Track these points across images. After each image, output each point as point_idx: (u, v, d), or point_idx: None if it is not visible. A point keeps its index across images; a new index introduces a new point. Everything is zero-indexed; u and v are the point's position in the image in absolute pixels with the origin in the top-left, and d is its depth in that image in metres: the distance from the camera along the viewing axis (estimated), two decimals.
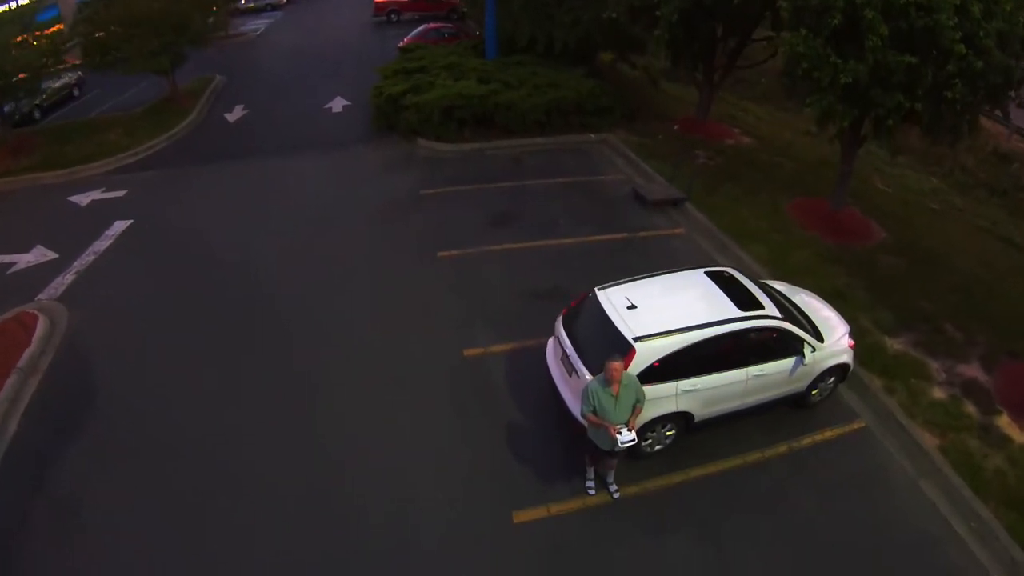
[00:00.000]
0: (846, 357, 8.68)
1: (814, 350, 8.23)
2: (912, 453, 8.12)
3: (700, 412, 7.82)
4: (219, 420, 8.64)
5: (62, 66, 21.41)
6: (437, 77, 18.89)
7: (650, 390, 7.17)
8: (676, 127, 19.10)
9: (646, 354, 7.35)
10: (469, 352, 9.74)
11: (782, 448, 8.30)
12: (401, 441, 8.24)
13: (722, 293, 8.30)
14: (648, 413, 7.36)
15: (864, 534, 7.25)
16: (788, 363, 8.15)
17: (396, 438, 8.29)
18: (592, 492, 7.51)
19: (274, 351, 9.94)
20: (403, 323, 10.47)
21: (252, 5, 39.53)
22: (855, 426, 8.61)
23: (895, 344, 9.83)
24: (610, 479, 7.54)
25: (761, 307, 8.20)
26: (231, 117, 21.19)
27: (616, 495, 7.49)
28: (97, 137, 19.08)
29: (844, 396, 9.00)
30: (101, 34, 20.04)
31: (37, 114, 22.59)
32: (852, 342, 8.85)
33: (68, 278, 11.70)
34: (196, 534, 7.09)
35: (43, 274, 11.98)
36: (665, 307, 8.00)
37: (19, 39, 19.02)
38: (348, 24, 34.03)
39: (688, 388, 7.60)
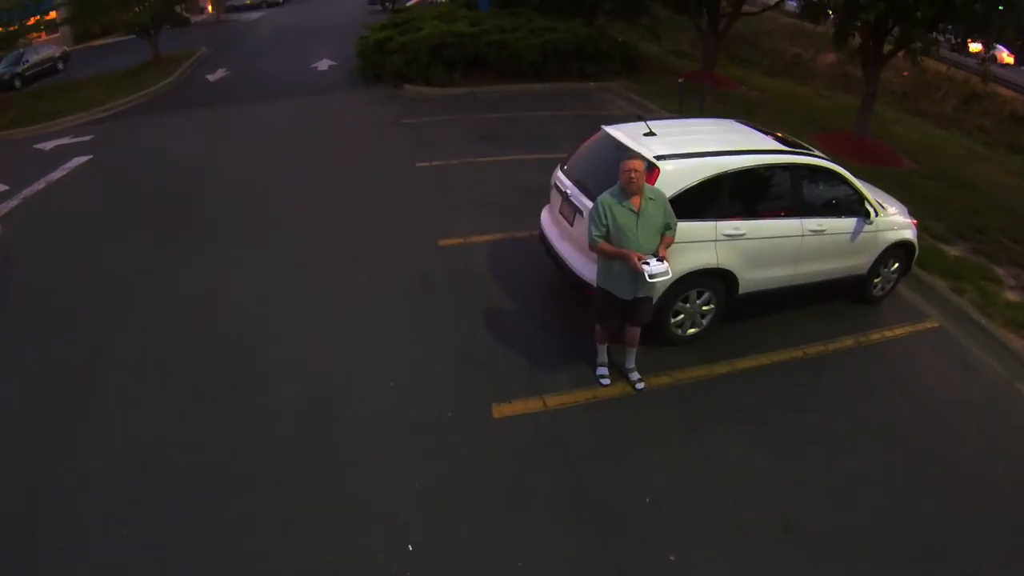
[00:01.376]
0: (910, 234, 6.75)
1: (877, 214, 6.29)
2: (999, 355, 6.41)
3: (745, 275, 5.64)
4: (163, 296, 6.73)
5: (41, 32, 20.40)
6: (426, 23, 17.13)
7: (682, 228, 5.02)
8: (681, 79, 17.27)
9: (673, 176, 5.21)
10: (445, 242, 7.66)
11: (848, 341, 6.21)
12: (351, 324, 6.11)
13: (762, 134, 6.30)
14: (680, 263, 5.24)
15: (966, 439, 5.15)
16: (850, 223, 6.15)
17: (347, 321, 6.16)
18: (606, 382, 5.26)
19: (221, 239, 8.02)
20: (369, 219, 8.41)
21: (248, 1, 38.59)
22: (927, 325, 6.74)
23: (952, 251, 8.30)
24: (630, 363, 5.31)
25: (809, 150, 6.25)
26: (212, 77, 19.49)
27: (640, 385, 5.25)
28: (72, 95, 17.76)
29: (907, 297, 7.23)
30: None
31: (18, 82, 21.51)
32: (915, 220, 6.99)
33: (12, 204, 9.92)
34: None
35: None
36: (693, 136, 5.95)
37: None
38: (343, 11, 32.87)
39: (731, 232, 5.44)
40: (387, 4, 31.96)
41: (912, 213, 7.11)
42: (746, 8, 17.46)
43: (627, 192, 4.62)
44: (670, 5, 17.94)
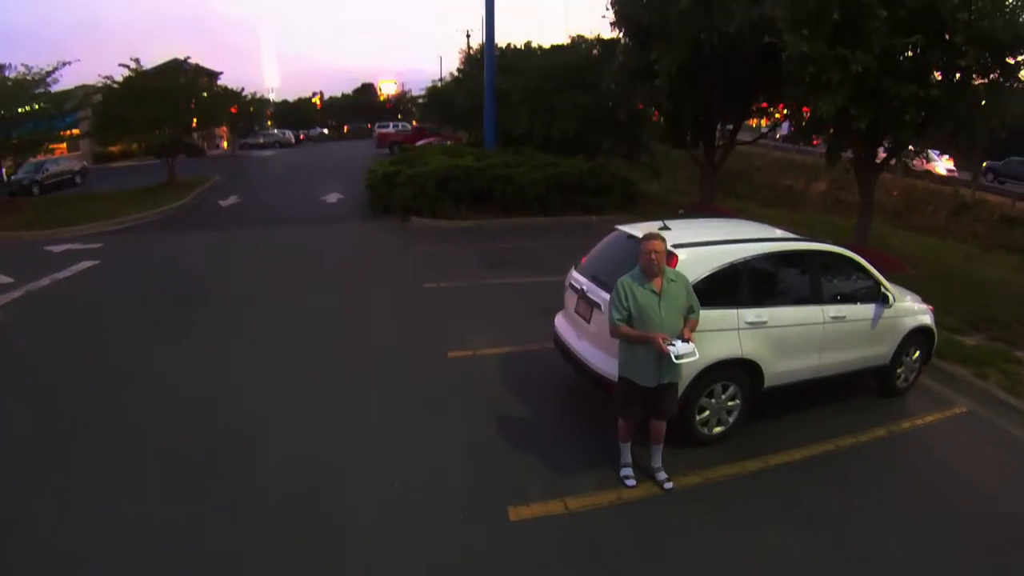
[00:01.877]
0: (929, 319, 6.69)
1: (895, 299, 6.22)
2: None
3: (770, 366, 5.38)
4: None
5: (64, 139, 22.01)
6: (433, 159, 18.03)
7: (704, 316, 4.86)
8: (681, 211, 17.71)
9: (691, 264, 5.14)
10: (454, 354, 7.42)
11: (879, 432, 5.93)
12: (357, 428, 5.72)
13: (774, 229, 6.39)
14: (703, 354, 4.99)
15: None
16: (869, 309, 6.05)
17: (353, 425, 5.78)
18: (631, 483, 4.80)
19: (225, 345, 7.85)
20: (378, 332, 8.26)
21: (262, 141, 41.36)
22: (956, 411, 6.59)
23: (968, 340, 8.24)
24: (656, 461, 4.91)
25: (822, 239, 6.33)
26: (224, 203, 20.35)
27: (668, 485, 4.82)
28: (86, 205, 18.60)
29: (931, 387, 7.09)
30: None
31: (36, 189, 22.85)
32: (931, 306, 6.91)
33: (16, 294, 10.16)
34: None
35: None
36: (707, 229, 6.03)
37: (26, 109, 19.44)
38: (351, 153, 35.06)
39: (753, 320, 5.26)
40: (395, 147, 34.00)
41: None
42: (740, 137, 18.22)
43: (648, 274, 4.50)
44: (667, 140, 18.56)
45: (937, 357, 7.28)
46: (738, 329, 5.21)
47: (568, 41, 23.33)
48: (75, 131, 24.31)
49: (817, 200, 26.20)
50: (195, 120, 25.21)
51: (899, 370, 6.51)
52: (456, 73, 29.69)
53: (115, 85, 22.26)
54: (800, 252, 5.78)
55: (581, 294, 5.78)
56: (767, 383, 5.43)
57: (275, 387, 6.58)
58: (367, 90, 76.18)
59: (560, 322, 6.36)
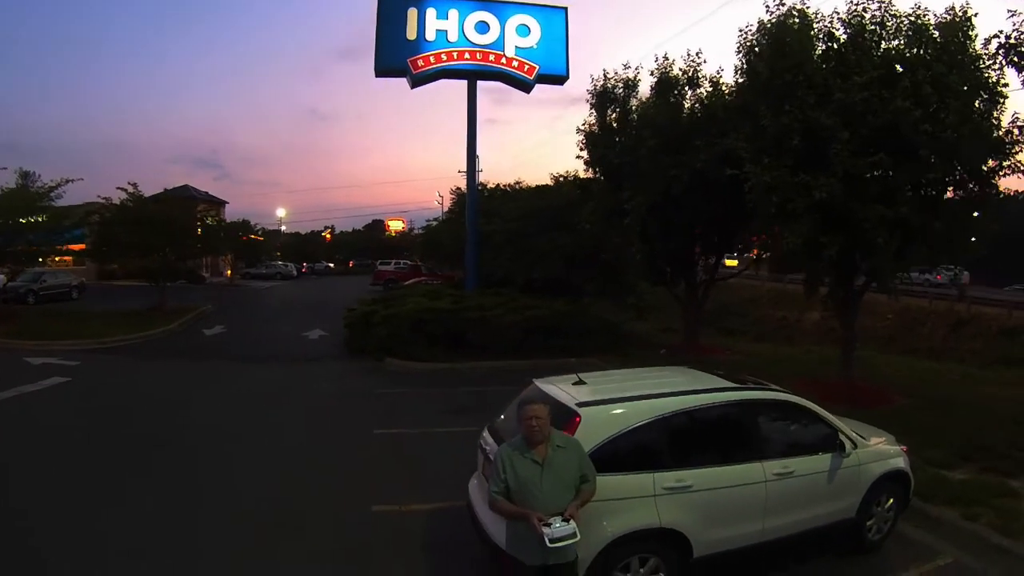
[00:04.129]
0: (902, 462, 5.90)
1: (855, 446, 5.50)
2: None
3: (700, 535, 4.60)
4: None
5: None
6: (411, 300, 17.82)
7: (611, 483, 4.26)
8: (663, 351, 17.09)
9: (596, 423, 4.55)
10: (379, 508, 6.70)
11: None
12: None
13: (709, 375, 5.80)
14: (611, 526, 4.32)
15: None
16: (823, 460, 5.30)
17: None
18: None
19: (155, 483, 7.42)
20: (309, 479, 7.65)
21: (264, 271, 42.34)
22: (940, 563, 5.67)
23: (957, 475, 7.40)
24: None
25: (767, 385, 5.66)
26: (208, 332, 20.37)
27: None
28: (76, 322, 19.09)
29: (910, 535, 6.18)
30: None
31: (31, 299, 23.50)
32: (905, 447, 6.15)
33: None
34: None
35: None
36: (630, 383, 5.47)
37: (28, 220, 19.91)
38: (348, 288, 35.48)
39: (673, 485, 4.56)
40: (389, 285, 34.33)
41: (908, 445, 6.31)
42: (721, 272, 17.87)
43: (530, 442, 3.92)
44: (646, 277, 18.06)
45: (920, 499, 6.47)
46: (655, 496, 4.51)
47: (551, 182, 23.93)
48: (80, 246, 25.19)
49: (811, 331, 25.59)
50: (194, 248, 25.82)
51: (869, 522, 5.64)
52: (448, 213, 30.53)
53: (110, 208, 23.01)
54: (734, 403, 5.15)
55: (486, 455, 5.15)
56: (697, 553, 4.62)
57: (190, 532, 5.98)
58: (376, 226, 79.17)
59: (472, 485, 5.66)
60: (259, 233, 43.76)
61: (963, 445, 8.20)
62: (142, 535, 6.00)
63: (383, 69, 20.06)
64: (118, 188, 23.54)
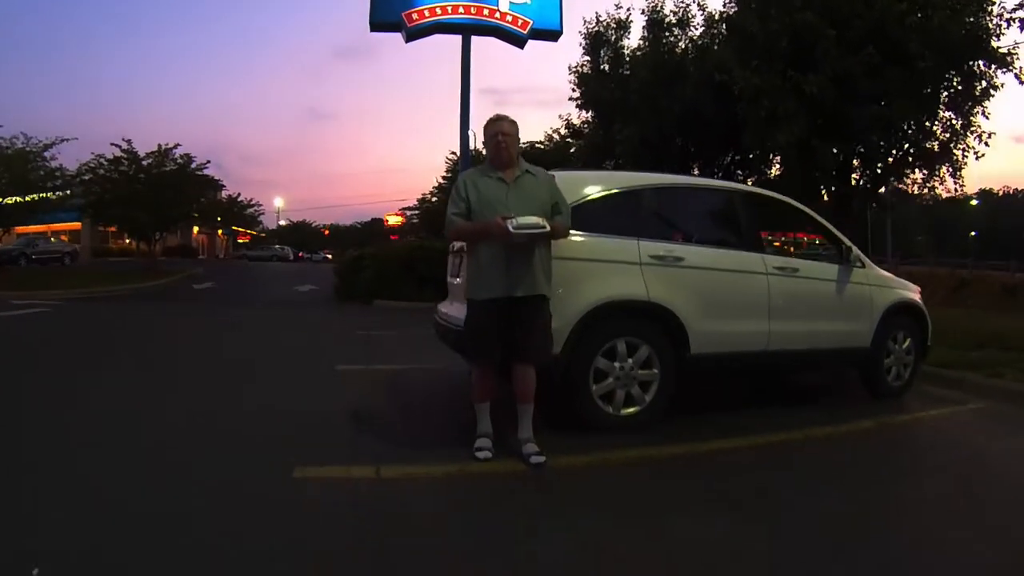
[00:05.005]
0: (915, 296, 5.33)
1: (864, 266, 4.87)
2: None
3: (698, 323, 3.93)
4: None
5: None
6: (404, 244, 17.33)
7: (589, 242, 3.67)
8: None
9: (573, 182, 3.88)
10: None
11: (865, 424, 4.34)
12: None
13: None
14: (589, 291, 3.68)
15: None
16: (828, 268, 4.69)
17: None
18: (483, 455, 3.25)
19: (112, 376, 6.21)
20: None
21: (260, 252, 42.08)
22: (971, 406, 5.01)
23: (974, 353, 6.69)
24: (525, 430, 3.32)
25: None
26: (198, 287, 19.65)
27: (536, 459, 3.21)
28: (65, 278, 18.68)
29: (934, 393, 5.47)
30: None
31: (23, 262, 23.52)
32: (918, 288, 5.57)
33: None
34: None
35: None
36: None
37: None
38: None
39: (662, 254, 3.90)
40: None
41: None
42: None
43: (497, 162, 3.32)
44: None
45: (939, 366, 5.85)
46: (640, 264, 3.84)
47: (544, 140, 23.47)
48: (76, 225, 25.83)
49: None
50: (184, 205, 25.33)
51: (887, 361, 4.97)
52: (445, 178, 29.99)
53: (104, 166, 22.65)
54: (730, 190, 4.53)
55: (457, 252, 4.50)
56: (695, 347, 3.95)
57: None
58: (376, 223, 78.64)
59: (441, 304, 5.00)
60: (253, 212, 43.52)
61: (976, 337, 7.58)
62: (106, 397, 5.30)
63: (378, 23, 19.38)
64: (111, 144, 22.85)
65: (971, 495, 3.08)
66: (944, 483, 3.29)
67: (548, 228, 3.12)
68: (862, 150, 10.15)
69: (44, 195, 21.10)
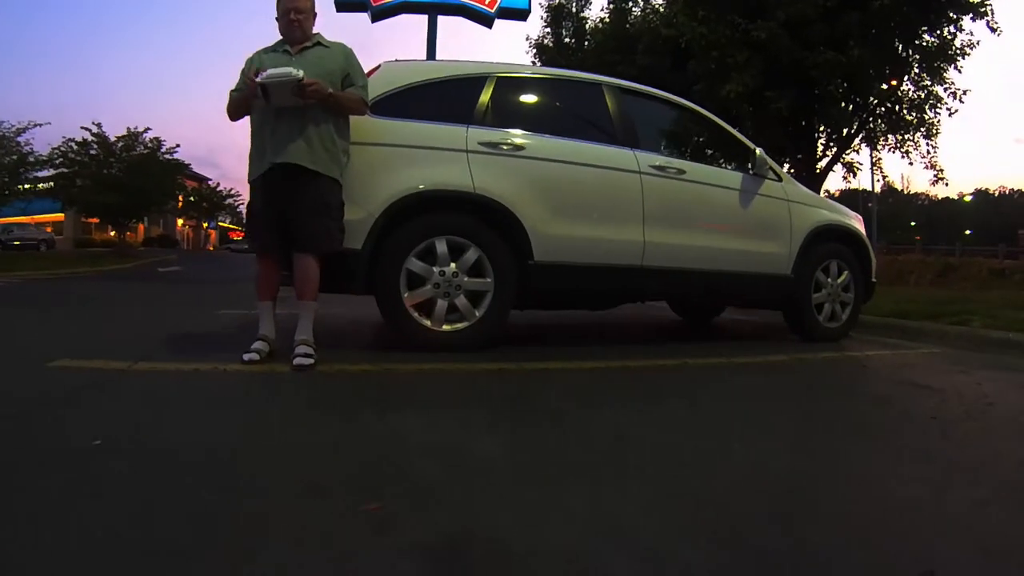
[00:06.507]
0: (854, 223, 4.48)
1: (780, 179, 4.09)
2: None
3: (541, 225, 3.19)
4: None
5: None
6: None
7: (406, 128, 3.10)
8: None
9: (400, 71, 3.30)
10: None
11: (778, 358, 3.58)
12: None
13: None
14: (401, 177, 3.00)
15: None
16: (728, 175, 3.93)
17: None
18: (249, 357, 2.67)
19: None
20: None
21: (246, 247, 41.93)
22: (922, 350, 4.13)
23: (944, 308, 5.63)
24: (303, 331, 2.73)
25: None
26: (163, 269, 19.00)
27: (301, 361, 2.60)
28: (34, 260, 17.78)
29: (878, 340, 4.60)
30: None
31: None
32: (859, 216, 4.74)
33: None
34: None
35: None
36: None
37: None
38: None
39: (495, 140, 3.19)
40: None
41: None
42: None
43: (289, 40, 2.82)
44: None
45: (898, 316, 5.12)
46: (467, 151, 3.12)
47: None
48: (59, 216, 25.44)
49: None
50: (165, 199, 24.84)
51: (817, 297, 4.14)
52: None
53: (76, 151, 21.86)
54: (597, 83, 3.72)
55: None
56: (539, 254, 3.21)
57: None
58: None
59: None
60: (234, 203, 42.95)
61: (949, 300, 6.53)
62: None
63: (343, 3, 18.92)
64: (82, 128, 22.29)
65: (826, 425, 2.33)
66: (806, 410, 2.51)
67: (300, 75, 2.51)
68: (818, 107, 9.35)
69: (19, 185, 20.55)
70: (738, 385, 2.77)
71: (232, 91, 2.83)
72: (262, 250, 2.83)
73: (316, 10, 2.92)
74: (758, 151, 3.91)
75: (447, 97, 3.29)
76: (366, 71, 2.96)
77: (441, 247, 3.04)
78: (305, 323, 2.75)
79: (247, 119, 2.84)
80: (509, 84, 3.48)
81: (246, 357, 2.66)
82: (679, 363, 3.16)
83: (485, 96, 3.31)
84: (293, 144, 2.63)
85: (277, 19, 2.82)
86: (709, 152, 4.28)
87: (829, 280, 4.22)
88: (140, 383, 2.39)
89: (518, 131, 3.29)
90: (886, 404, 2.48)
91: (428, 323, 3.05)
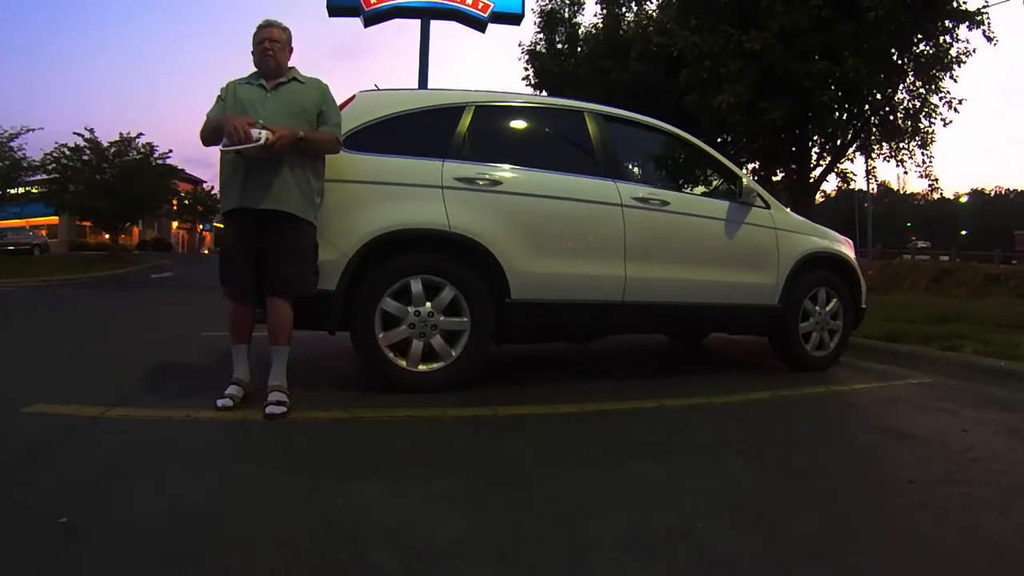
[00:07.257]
0: (844, 248, 4.39)
1: (769, 206, 4.00)
2: None
3: (518, 262, 3.13)
4: None
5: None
6: None
7: (379, 163, 3.05)
8: None
9: (374, 102, 3.23)
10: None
11: (760, 395, 3.45)
12: None
13: None
14: (375, 217, 2.94)
15: None
16: (714, 205, 3.83)
17: None
18: (223, 403, 2.62)
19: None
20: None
21: None
22: (911, 381, 4.02)
23: (934, 328, 5.59)
24: (275, 377, 2.68)
25: None
26: (156, 276, 18.98)
27: (273, 410, 2.55)
28: (27, 266, 18.22)
29: (867, 367, 4.53)
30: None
31: None
32: (848, 239, 4.64)
33: None
34: None
35: None
36: None
37: None
38: None
39: (471, 176, 3.13)
40: None
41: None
42: None
43: (263, 71, 2.80)
44: None
45: (888, 340, 4.99)
46: (442, 187, 3.06)
47: None
48: (53, 220, 25.51)
49: None
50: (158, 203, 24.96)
51: (804, 326, 4.06)
52: None
53: (67, 154, 21.86)
54: (578, 111, 3.64)
55: None
56: (517, 292, 3.15)
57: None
58: None
59: None
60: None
61: (941, 315, 6.55)
62: None
63: (335, 7, 18.79)
64: (74, 133, 22.15)
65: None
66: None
67: (262, 140, 2.48)
68: (812, 117, 9.29)
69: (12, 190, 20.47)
70: (713, 436, 2.68)
71: (209, 112, 2.78)
72: (236, 295, 2.74)
73: (292, 44, 2.87)
74: (745, 179, 3.85)
75: (423, 129, 3.22)
76: (342, 101, 2.93)
77: (416, 287, 2.98)
78: (278, 368, 2.69)
79: None
80: (488, 113, 3.40)
81: (219, 403, 2.61)
82: (656, 405, 3.08)
83: (462, 126, 3.25)
84: (269, 187, 2.59)
85: (252, 51, 2.78)
86: (695, 179, 4.19)
87: (817, 308, 4.14)
88: (111, 435, 2.34)
89: (496, 165, 3.23)
90: (866, 462, 2.40)
91: (404, 363, 3.00)
